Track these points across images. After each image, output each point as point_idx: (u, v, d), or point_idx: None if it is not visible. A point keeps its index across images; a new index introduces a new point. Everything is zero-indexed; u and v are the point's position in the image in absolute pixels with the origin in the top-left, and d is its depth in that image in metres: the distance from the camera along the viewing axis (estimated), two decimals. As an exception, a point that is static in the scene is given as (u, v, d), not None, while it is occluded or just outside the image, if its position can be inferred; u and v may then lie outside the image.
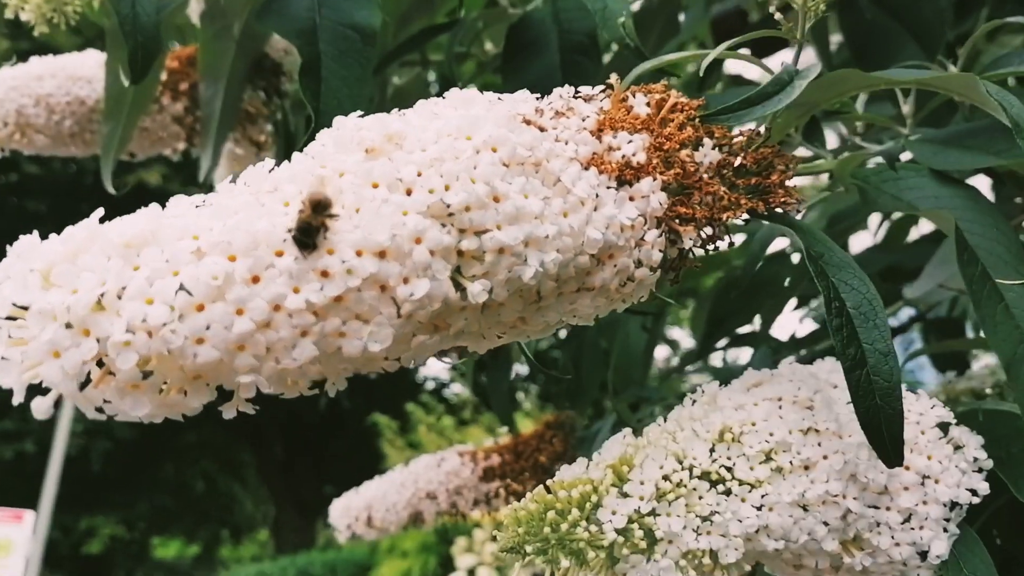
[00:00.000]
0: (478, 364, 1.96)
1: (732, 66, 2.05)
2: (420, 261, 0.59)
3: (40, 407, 0.52)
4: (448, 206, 0.61)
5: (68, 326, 0.50)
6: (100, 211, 0.55)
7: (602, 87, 0.79)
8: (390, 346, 0.59)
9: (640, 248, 0.71)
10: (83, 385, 0.52)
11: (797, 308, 2.05)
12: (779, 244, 1.87)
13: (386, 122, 0.63)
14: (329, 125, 1.07)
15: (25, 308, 0.51)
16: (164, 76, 1.43)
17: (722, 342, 1.73)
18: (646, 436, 0.84)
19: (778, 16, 0.83)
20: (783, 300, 1.68)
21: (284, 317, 0.55)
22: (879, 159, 1.03)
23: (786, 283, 1.64)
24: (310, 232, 0.56)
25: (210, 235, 0.54)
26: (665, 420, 0.87)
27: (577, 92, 0.78)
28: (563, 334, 1.85)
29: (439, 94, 0.71)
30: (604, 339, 1.85)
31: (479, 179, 0.62)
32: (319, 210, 0.56)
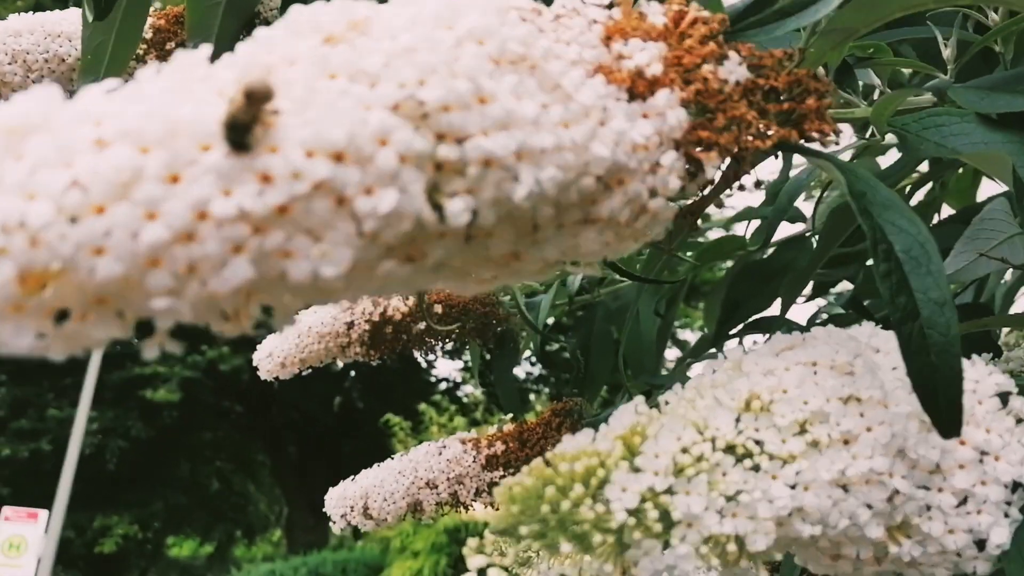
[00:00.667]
0: (486, 362, 1.86)
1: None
2: (386, 168, 0.48)
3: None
4: (422, 104, 0.50)
5: (-70, 226, 0.40)
6: (-15, 92, 0.44)
7: (610, -3, 0.68)
8: (349, 272, 0.48)
9: (655, 174, 0.60)
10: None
11: (813, 297, 1.93)
12: (796, 228, 1.76)
13: (351, 7, 0.52)
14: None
15: None
16: (150, 34, 1.33)
17: (737, 328, 1.61)
18: (662, 408, 0.73)
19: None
20: (801, 285, 1.56)
21: (211, 228, 0.44)
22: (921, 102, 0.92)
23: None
24: (243, 130, 0.45)
25: (118, 122, 0.44)
26: (683, 388, 0.75)
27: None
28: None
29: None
30: (614, 326, 1.74)
31: (461, 74, 0.51)
32: (256, 102, 0.45)
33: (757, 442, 0.68)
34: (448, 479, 1.47)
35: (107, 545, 7.63)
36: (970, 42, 1.02)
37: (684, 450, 0.66)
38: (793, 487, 0.67)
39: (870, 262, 1.51)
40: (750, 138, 0.65)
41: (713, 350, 1.73)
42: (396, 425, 5.77)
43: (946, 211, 1.73)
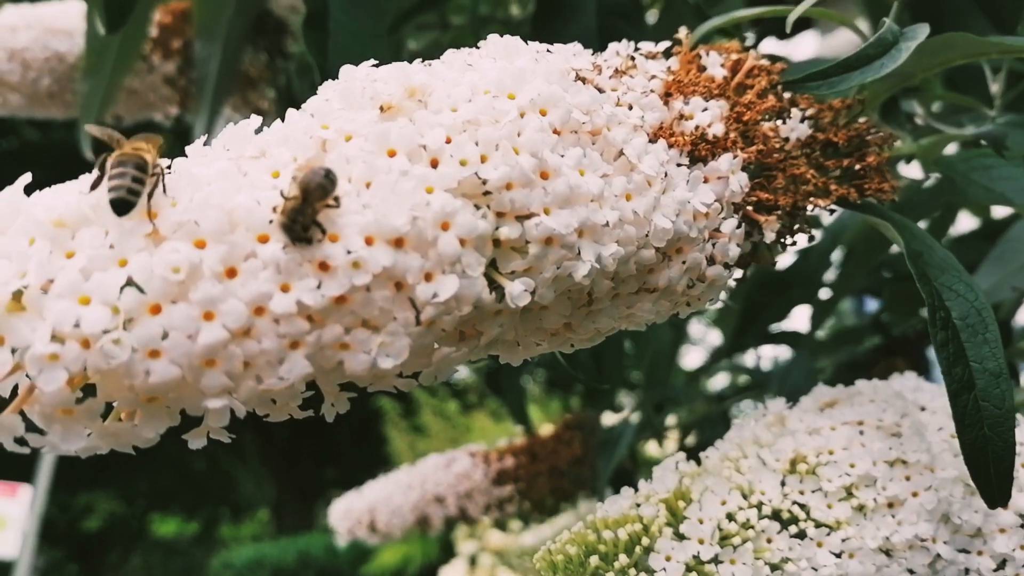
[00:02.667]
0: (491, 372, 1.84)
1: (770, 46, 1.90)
2: (447, 253, 0.45)
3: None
4: (484, 182, 0.47)
5: (-26, 331, 0.37)
6: (26, 177, 0.41)
7: (668, 43, 0.65)
8: (406, 360, 0.46)
9: (715, 241, 0.57)
10: (-1, 407, 0.39)
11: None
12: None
13: (407, 73, 0.49)
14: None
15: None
16: (155, 32, 1.29)
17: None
18: (704, 464, 0.71)
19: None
20: (815, 294, 1.54)
21: (268, 323, 0.42)
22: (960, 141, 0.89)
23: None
24: (302, 223, 0.42)
25: (171, 213, 0.41)
26: (723, 441, 0.74)
27: (638, 48, 0.64)
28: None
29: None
30: (626, 333, 1.72)
31: (524, 149, 0.48)
32: (315, 197, 0.42)
33: (803, 507, 0.66)
34: (457, 493, 1.46)
35: (92, 522, 7.58)
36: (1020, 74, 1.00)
37: (730, 516, 0.65)
38: (838, 555, 0.65)
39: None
40: (810, 197, 0.62)
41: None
42: (389, 409, 5.77)
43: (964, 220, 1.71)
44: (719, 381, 1.77)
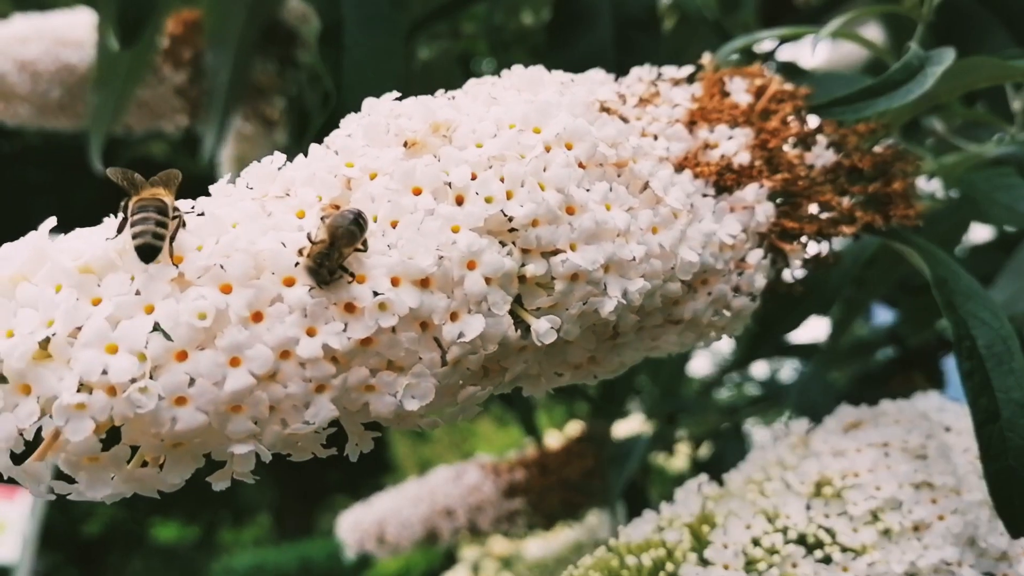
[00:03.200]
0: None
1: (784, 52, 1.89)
2: (473, 292, 0.45)
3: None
4: (510, 219, 0.46)
5: (2, 380, 0.36)
6: (51, 221, 0.41)
7: (691, 67, 0.64)
8: (432, 401, 0.45)
9: (741, 272, 0.57)
10: (22, 455, 0.39)
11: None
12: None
13: (431, 108, 0.49)
14: (351, 104, 0.92)
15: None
16: (165, 43, 1.28)
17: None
18: (727, 486, 0.70)
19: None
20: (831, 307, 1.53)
21: (294, 367, 0.41)
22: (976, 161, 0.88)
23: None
24: (329, 265, 0.41)
25: (196, 257, 0.40)
26: (746, 462, 0.73)
27: (660, 73, 0.63)
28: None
29: (468, 72, 0.57)
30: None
31: (550, 184, 0.47)
32: (344, 242, 0.42)
33: (828, 531, 0.66)
34: (466, 506, 1.45)
35: (92, 526, 7.57)
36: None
37: (755, 541, 0.64)
38: (864, 582, 0.65)
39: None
40: (835, 224, 0.61)
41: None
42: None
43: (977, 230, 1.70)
44: (734, 391, 1.76)
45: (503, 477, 1.47)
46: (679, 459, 1.71)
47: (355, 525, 1.53)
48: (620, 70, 1.09)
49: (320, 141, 0.86)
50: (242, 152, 1.32)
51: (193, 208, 0.43)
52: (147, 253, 0.39)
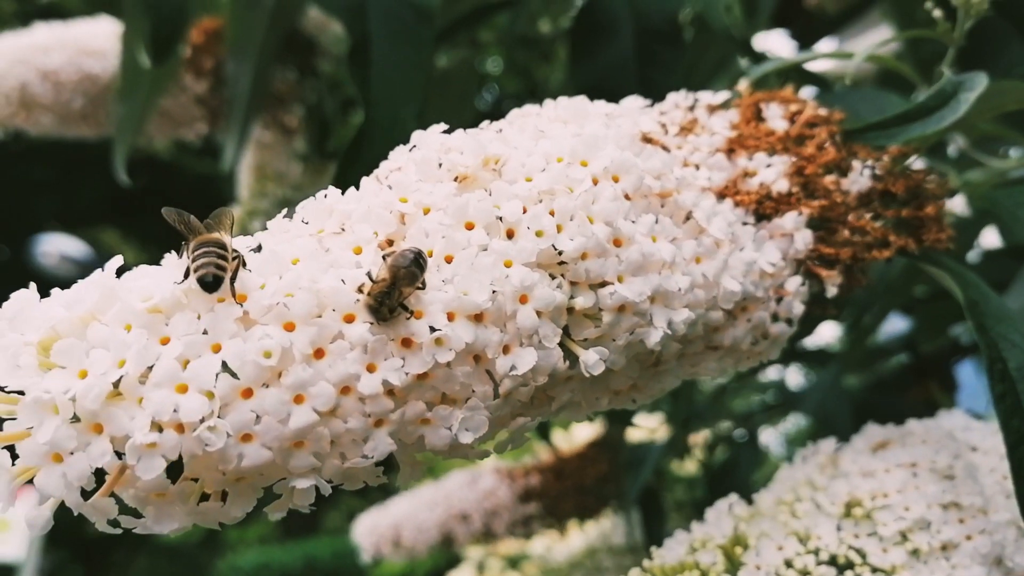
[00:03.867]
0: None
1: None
2: (526, 326, 0.45)
3: (36, 521, 0.39)
4: (560, 253, 0.47)
5: (74, 420, 0.37)
6: (118, 260, 0.42)
7: (727, 93, 0.65)
8: (485, 433, 0.46)
9: (779, 299, 0.57)
10: (90, 490, 0.39)
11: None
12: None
13: (482, 142, 0.49)
14: (380, 118, 0.94)
15: (18, 394, 0.38)
16: (187, 52, 1.28)
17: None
18: (757, 506, 0.71)
19: (936, 13, 0.69)
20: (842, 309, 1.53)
21: (354, 403, 0.42)
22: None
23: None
24: (389, 304, 0.42)
25: (260, 296, 0.41)
26: (775, 482, 0.74)
27: (697, 100, 0.64)
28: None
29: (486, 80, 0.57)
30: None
31: (598, 218, 0.48)
32: (404, 282, 0.42)
33: (859, 552, 0.66)
34: (482, 511, 1.46)
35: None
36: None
37: (787, 563, 0.65)
38: (894, 602, 0.66)
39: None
40: (870, 249, 0.62)
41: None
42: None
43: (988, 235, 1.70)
44: (747, 397, 1.77)
45: (518, 482, 1.48)
46: (691, 463, 1.72)
47: (371, 529, 1.54)
48: (642, 82, 1.10)
49: (353, 159, 0.88)
50: (261, 160, 1.32)
51: (258, 248, 0.44)
52: (209, 284, 0.40)
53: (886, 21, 1.60)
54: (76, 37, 1.19)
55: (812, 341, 1.57)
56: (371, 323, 0.42)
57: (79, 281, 0.41)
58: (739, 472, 1.41)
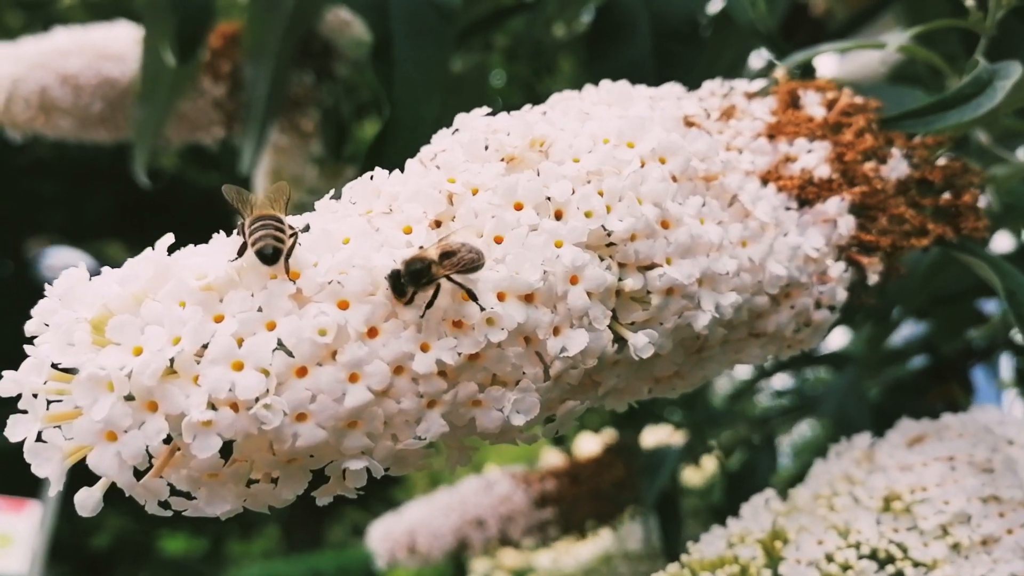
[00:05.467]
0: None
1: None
2: (577, 307, 0.45)
3: (86, 502, 0.39)
4: (609, 234, 0.47)
5: (128, 398, 0.37)
6: (168, 238, 0.41)
7: (763, 81, 0.64)
8: (536, 416, 0.45)
9: (823, 285, 0.57)
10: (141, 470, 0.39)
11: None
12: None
13: (529, 123, 0.49)
14: (404, 117, 0.94)
15: (71, 372, 0.37)
16: (206, 56, 1.28)
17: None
18: (793, 501, 0.70)
19: (968, 3, 0.69)
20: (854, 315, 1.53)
21: (407, 383, 0.41)
22: None
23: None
24: (423, 276, 0.41)
25: (314, 273, 0.40)
26: (811, 477, 0.73)
27: (733, 87, 0.64)
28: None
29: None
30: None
31: (647, 199, 0.48)
32: (465, 268, 0.42)
33: (899, 546, 0.65)
34: (497, 516, 1.45)
35: (100, 539, 7.53)
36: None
37: (828, 557, 0.64)
38: (936, 595, 0.65)
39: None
40: (908, 237, 0.62)
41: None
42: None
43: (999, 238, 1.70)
44: (763, 400, 1.75)
45: (534, 487, 1.47)
46: (704, 471, 1.71)
47: (386, 535, 1.53)
48: (660, 82, 1.10)
49: (376, 157, 0.88)
50: (277, 164, 1.32)
51: (306, 228, 0.44)
52: (268, 257, 0.39)
53: (899, 25, 1.60)
54: (95, 41, 1.19)
55: (822, 345, 1.56)
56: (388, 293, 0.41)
57: (131, 260, 0.40)
58: (757, 476, 1.40)
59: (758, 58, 1.57)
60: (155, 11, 0.98)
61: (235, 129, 1.30)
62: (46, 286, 0.39)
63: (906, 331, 1.73)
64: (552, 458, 1.52)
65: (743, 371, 1.59)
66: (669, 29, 1.11)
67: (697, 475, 1.74)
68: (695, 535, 1.55)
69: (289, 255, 0.41)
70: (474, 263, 0.41)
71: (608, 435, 1.52)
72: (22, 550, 5.02)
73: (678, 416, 1.54)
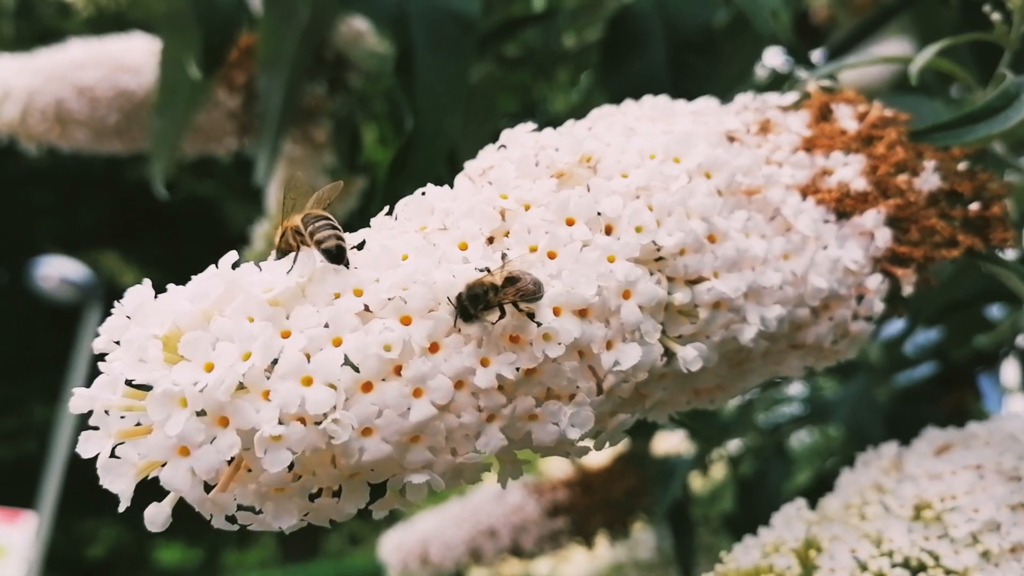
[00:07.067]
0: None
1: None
2: (630, 321, 0.45)
3: (156, 518, 0.39)
4: (659, 248, 0.47)
5: (201, 413, 0.37)
6: (233, 255, 0.41)
7: (795, 95, 0.65)
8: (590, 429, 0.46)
9: (861, 297, 0.58)
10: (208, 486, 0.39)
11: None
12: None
13: (578, 139, 0.50)
14: (426, 127, 0.94)
15: (143, 389, 0.37)
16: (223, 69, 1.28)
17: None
18: (823, 510, 0.71)
19: (994, 17, 0.70)
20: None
21: (468, 397, 0.42)
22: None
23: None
24: (485, 299, 0.42)
25: (377, 288, 0.41)
26: (840, 487, 0.74)
27: (765, 101, 0.64)
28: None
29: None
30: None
31: (695, 214, 0.48)
32: (525, 298, 0.43)
33: (931, 554, 0.66)
34: (510, 526, 1.45)
35: (96, 549, 7.47)
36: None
37: (863, 566, 0.64)
38: (969, 604, 0.65)
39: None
40: (939, 248, 0.62)
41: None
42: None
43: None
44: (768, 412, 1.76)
45: (546, 496, 1.47)
46: (709, 479, 1.71)
47: (398, 546, 1.52)
48: (675, 92, 1.10)
49: (399, 167, 0.88)
50: (290, 175, 1.32)
51: (362, 245, 0.44)
52: (335, 255, 0.40)
53: (904, 34, 1.62)
54: (111, 53, 1.20)
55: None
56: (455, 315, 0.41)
57: (198, 277, 0.40)
58: (769, 484, 1.41)
59: (761, 70, 1.58)
60: (176, 22, 0.99)
61: (247, 140, 1.31)
62: (115, 303, 0.39)
63: (911, 338, 1.75)
64: (556, 470, 1.52)
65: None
66: (683, 39, 1.12)
67: (700, 483, 1.74)
68: (705, 544, 1.54)
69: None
70: (534, 295, 0.42)
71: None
72: (17, 561, 4.99)
73: (688, 424, 1.55)
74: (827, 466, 1.57)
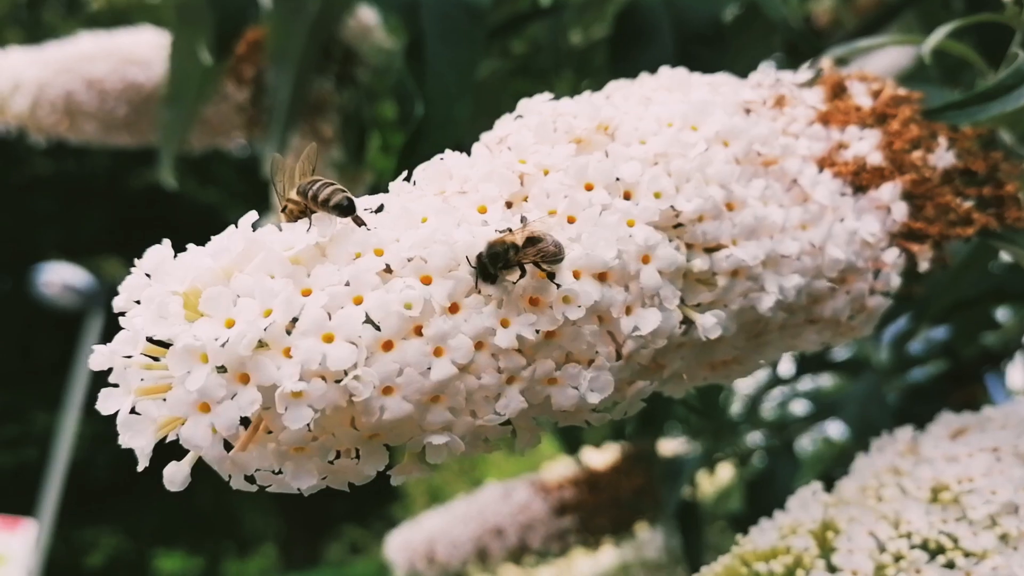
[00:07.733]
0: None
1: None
2: (649, 286, 0.45)
3: (175, 476, 0.39)
4: (677, 214, 0.47)
5: (221, 369, 0.37)
6: (252, 215, 0.41)
7: (810, 72, 0.65)
8: (610, 395, 0.45)
9: (877, 271, 0.57)
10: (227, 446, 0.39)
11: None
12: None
13: (596, 107, 0.49)
14: (436, 114, 0.94)
15: (164, 345, 0.37)
16: (232, 62, 1.28)
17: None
18: (839, 493, 0.70)
19: (1008, -3, 0.70)
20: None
21: (488, 358, 0.41)
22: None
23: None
24: (505, 258, 0.42)
25: (398, 248, 0.40)
26: (856, 470, 0.73)
27: (779, 79, 0.64)
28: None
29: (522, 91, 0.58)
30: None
31: (713, 181, 0.48)
32: (546, 259, 0.42)
33: (950, 536, 0.65)
34: (517, 525, 1.44)
35: (96, 558, 7.43)
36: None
37: (881, 547, 0.64)
38: (988, 585, 0.65)
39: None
40: (954, 226, 0.62)
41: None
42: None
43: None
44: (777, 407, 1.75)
45: (553, 495, 1.46)
46: (718, 478, 1.71)
47: (405, 545, 1.52)
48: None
49: (410, 154, 0.88)
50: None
51: (379, 204, 0.44)
52: (346, 208, 0.40)
53: (909, 33, 1.62)
54: (120, 46, 1.20)
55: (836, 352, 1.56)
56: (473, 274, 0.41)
57: (218, 236, 0.40)
58: (777, 481, 1.40)
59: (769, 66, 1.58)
60: (189, 11, 0.99)
61: (255, 134, 1.31)
62: (134, 262, 0.39)
63: (919, 337, 1.74)
64: (558, 470, 1.51)
65: (760, 376, 1.59)
66: (692, 31, 1.12)
67: (707, 483, 1.73)
68: (713, 543, 1.53)
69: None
70: (556, 256, 0.42)
71: (623, 444, 1.51)
72: (17, 569, 4.97)
73: (695, 422, 1.54)
74: (834, 476, 1.56)
